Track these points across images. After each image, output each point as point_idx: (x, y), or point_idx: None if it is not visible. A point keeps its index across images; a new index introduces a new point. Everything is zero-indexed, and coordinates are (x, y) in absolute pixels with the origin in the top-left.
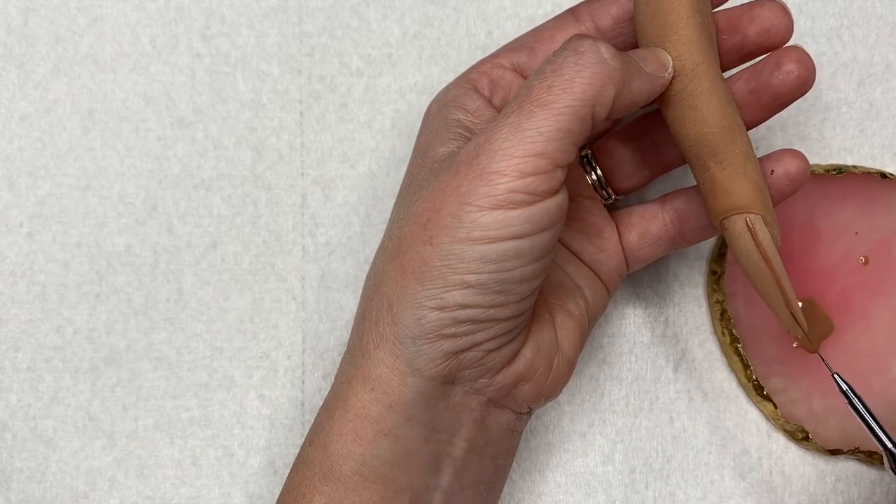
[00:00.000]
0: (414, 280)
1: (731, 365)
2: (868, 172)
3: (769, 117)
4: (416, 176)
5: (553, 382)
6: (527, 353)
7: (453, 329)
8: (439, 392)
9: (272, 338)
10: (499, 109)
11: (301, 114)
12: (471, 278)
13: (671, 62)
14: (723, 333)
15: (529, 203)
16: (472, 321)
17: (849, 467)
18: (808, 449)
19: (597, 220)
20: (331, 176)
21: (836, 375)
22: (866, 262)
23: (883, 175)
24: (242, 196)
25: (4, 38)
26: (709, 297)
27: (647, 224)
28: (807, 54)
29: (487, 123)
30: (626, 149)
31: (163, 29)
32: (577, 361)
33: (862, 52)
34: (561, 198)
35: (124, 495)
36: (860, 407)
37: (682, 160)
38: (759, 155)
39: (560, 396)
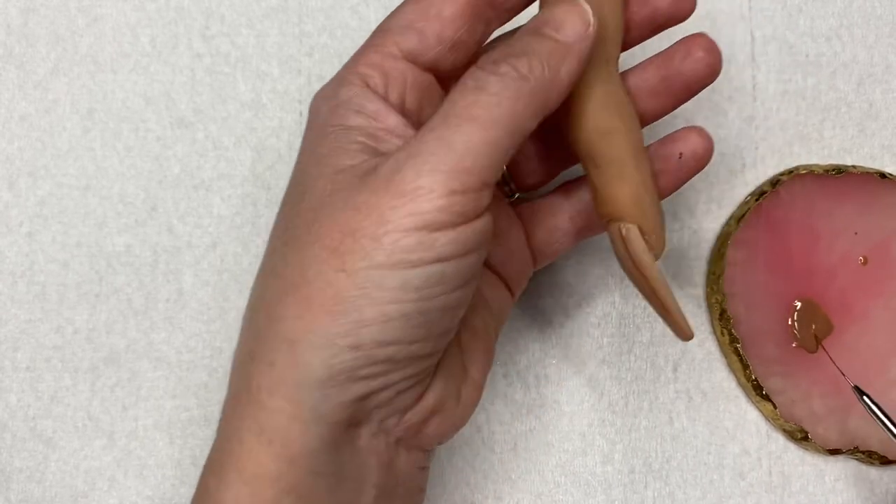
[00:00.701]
0: (324, 314)
1: (730, 365)
2: (867, 172)
3: (679, 105)
4: (313, 187)
5: (462, 411)
6: (436, 386)
7: (368, 370)
8: (344, 437)
9: None
10: (397, 107)
11: (301, 114)
12: (391, 309)
13: (592, 15)
14: (722, 333)
15: (455, 224)
16: (390, 360)
17: (848, 467)
18: (807, 449)
19: (502, 221)
20: None
21: (856, 388)
22: (866, 262)
23: (882, 175)
24: (242, 196)
25: (4, 38)
26: (708, 297)
27: (554, 220)
28: (713, 42)
29: (394, 129)
30: (530, 143)
31: (163, 29)
32: (484, 384)
33: (861, 53)
34: (487, 219)
35: (124, 495)
36: (878, 412)
37: None
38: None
39: (560, 396)
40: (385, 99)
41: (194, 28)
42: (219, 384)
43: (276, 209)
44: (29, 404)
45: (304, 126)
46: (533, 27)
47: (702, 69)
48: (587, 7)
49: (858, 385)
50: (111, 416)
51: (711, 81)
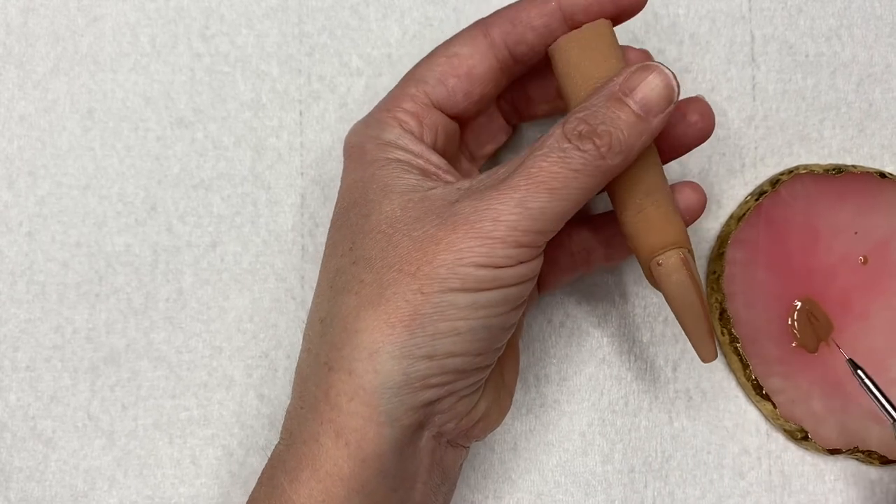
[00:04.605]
0: (402, 328)
1: (730, 364)
2: (867, 172)
3: (670, 160)
4: (378, 210)
5: (497, 416)
6: (486, 394)
7: (439, 378)
8: (410, 439)
9: (271, 337)
10: (434, 148)
11: (301, 113)
12: (461, 325)
13: (677, 86)
14: (722, 333)
15: (518, 265)
16: (458, 370)
17: (848, 467)
18: (807, 448)
19: None
20: (330, 176)
21: (851, 361)
22: (866, 262)
23: (882, 175)
24: (242, 196)
25: (4, 37)
26: (708, 296)
27: (555, 253)
28: (708, 106)
29: (439, 166)
30: None
31: (162, 28)
32: (514, 391)
33: (861, 53)
34: (541, 257)
35: (124, 494)
36: (872, 388)
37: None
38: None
39: (560, 396)
40: (421, 140)
41: (194, 28)
42: (218, 383)
43: (275, 209)
44: (29, 404)
45: (303, 126)
46: (620, 91)
47: (693, 132)
48: (674, 80)
49: (854, 385)
50: (111, 415)
51: (703, 142)
